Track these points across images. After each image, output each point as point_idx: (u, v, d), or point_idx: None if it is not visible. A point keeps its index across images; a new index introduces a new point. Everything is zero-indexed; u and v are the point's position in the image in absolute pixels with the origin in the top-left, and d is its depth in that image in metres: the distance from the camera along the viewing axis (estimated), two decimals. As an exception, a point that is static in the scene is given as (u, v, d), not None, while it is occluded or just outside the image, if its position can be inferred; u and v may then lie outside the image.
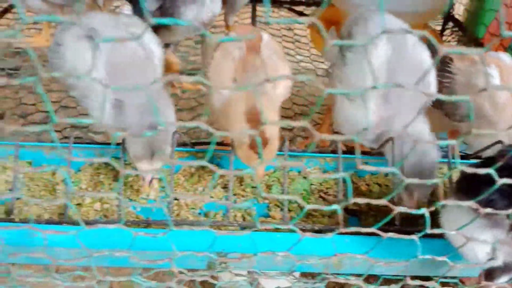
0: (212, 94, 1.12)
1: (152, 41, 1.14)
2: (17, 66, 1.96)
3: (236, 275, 0.99)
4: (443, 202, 0.79)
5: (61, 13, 1.85)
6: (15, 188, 1.04)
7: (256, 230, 0.76)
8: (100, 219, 1.06)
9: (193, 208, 1.11)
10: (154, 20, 0.49)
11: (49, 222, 0.99)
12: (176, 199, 1.12)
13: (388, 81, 1.02)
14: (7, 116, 1.75)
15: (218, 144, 1.28)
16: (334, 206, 0.70)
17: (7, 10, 2.18)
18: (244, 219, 1.10)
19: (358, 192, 1.18)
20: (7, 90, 1.84)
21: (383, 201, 0.69)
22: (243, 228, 1.05)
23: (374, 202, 0.69)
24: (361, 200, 0.70)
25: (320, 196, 1.16)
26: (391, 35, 1.07)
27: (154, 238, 0.85)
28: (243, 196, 1.16)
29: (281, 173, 1.19)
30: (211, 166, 0.65)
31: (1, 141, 1.15)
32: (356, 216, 1.14)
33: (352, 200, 0.67)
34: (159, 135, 1.01)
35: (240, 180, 1.18)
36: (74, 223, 1.00)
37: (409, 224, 1.01)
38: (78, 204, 1.08)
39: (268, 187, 1.17)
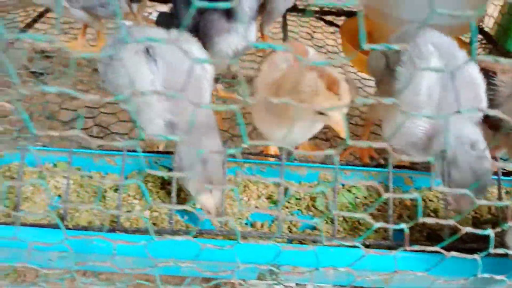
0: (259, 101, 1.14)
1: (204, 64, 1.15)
2: (45, 68, 1.99)
3: (286, 287, 0.99)
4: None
5: (99, 23, 1.88)
6: (66, 195, 1.05)
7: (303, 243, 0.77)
8: (146, 228, 1.07)
9: (239, 218, 1.12)
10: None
11: (101, 229, 1.00)
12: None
13: (441, 96, 1.02)
14: (34, 117, 1.78)
15: (259, 154, 1.28)
16: (402, 226, 0.71)
17: (41, 15, 2.23)
18: (290, 230, 1.11)
19: (402, 207, 1.18)
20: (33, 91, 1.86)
21: (451, 222, 0.70)
22: (290, 240, 1.06)
23: (444, 222, 0.70)
24: (429, 220, 0.70)
25: (366, 210, 1.17)
26: (442, 50, 1.08)
27: (211, 249, 0.86)
28: (287, 207, 1.16)
29: (324, 185, 1.19)
30: (283, 182, 0.66)
31: (55, 148, 1.17)
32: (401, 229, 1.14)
33: (421, 219, 0.68)
34: (212, 165, 1.01)
35: (284, 191, 1.19)
36: (127, 230, 1.02)
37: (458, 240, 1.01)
38: (128, 211, 1.10)
39: (312, 199, 1.17)
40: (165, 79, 1.07)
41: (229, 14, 1.31)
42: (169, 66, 1.08)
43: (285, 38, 1.92)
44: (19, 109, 0.53)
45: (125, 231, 1.01)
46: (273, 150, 1.39)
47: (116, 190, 1.14)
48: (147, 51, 1.09)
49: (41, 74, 1.97)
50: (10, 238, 0.73)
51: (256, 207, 1.16)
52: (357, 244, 0.73)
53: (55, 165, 1.17)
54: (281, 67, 1.16)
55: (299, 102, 0.98)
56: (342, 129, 0.97)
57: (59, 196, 1.13)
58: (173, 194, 1.05)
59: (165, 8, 2.19)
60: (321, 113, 0.98)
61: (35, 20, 2.15)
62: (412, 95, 1.05)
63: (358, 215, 0.68)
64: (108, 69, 1.14)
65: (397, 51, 1.20)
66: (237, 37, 1.32)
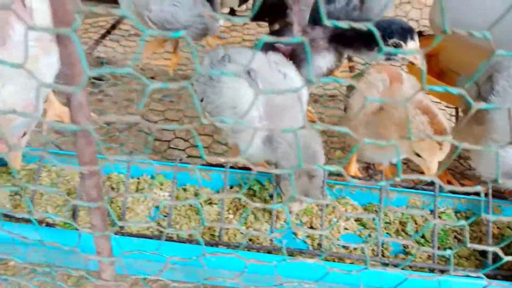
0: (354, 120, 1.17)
1: (300, 81, 1.18)
2: (100, 75, 2.06)
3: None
4: None
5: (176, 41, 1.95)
6: (171, 208, 1.09)
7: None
8: (246, 243, 1.10)
9: (331, 239, 1.14)
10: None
11: (207, 244, 1.04)
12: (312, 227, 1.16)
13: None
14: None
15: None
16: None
17: (114, 26, 2.32)
18: (383, 254, 1.12)
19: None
20: (90, 98, 1.93)
21: None
22: (385, 264, 1.07)
23: None
24: None
25: (455, 237, 1.17)
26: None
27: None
28: (377, 230, 1.18)
29: (414, 210, 1.20)
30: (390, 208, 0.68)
31: (161, 162, 1.21)
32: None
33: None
34: (315, 181, 1.04)
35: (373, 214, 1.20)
36: (229, 245, 1.05)
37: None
38: (248, 226, 1.13)
39: (402, 224, 1.18)
40: (266, 100, 1.10)
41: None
42: (269, 87, 1.12)
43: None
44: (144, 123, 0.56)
45: (228, 245, 1.04)
46: (353, 171, 1.41)
47: (210, 204, 1.18)
48: (248, 73, 1.13)
49: (100, 79, 2.05)
50: (153, 252, 0.77)
51: (346, 228, 1.18)
52: (481, 275, 0.74)
53: (152, 177, 1.22)
54: (378, 87, 1.19)
55: (402, 136, 1.02)
56: (431, 173, 1.02)
57: (157, 207, 1.18)
58: (274, 212, 1.08)
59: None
60: (419, 155, 1.02)
61: (108, 32, 2.25)
62: (506, 124, 1.06)
63: (482, 247, 0.69)
64: (208, 89, 1.18)
65: (489, 80, 1.21)
66: (333, 56, 1.35)
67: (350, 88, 1.32)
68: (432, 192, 1.20)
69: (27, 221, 1.07)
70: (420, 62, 1.29)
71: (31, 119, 1.11)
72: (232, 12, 2.44)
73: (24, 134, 1.08)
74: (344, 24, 0.51)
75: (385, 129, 1.09)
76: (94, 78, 2.05)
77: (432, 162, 1.02)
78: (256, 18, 2.26)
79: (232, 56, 1.21)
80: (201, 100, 1.22)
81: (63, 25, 0.52)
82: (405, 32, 1.23)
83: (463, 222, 0.71)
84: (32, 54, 1.12)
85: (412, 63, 1.27)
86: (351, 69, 1.89)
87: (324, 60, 1.36)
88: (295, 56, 1.33)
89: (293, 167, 1.06)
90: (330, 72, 1.44)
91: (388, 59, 1.29)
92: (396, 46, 1.21)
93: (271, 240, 1.10)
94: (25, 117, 1.05)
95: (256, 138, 1.11)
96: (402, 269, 1.04)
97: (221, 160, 0.61)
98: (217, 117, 1.15)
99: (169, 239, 1.05)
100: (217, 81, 1.17)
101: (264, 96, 1.10)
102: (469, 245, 0.71)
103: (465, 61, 1.59)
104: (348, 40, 1.32)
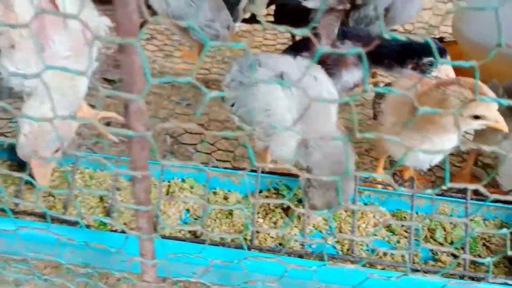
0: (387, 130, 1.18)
1: (331, 84, 1.20)
2: (120, 78, 2.09)
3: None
4: None
5: (198, 44, 1.97)
6: (206, 212, 1.11)
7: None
8: (275, 246, 1.11)
9: (360, 245, 1.15)
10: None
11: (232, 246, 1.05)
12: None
13: None
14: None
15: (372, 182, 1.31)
16: None
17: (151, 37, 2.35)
18: (413, 261, 1.12)
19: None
20: (111, 100, 1.97)
21: None
22: (415, 270, 1.08)
23: None
24: None
25: (484, 244, 1.17)
26: None
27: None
28: (405, 237, 1.18)
29: (442, 217, 1.21)
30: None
31: (187, 165, 1.23)
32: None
33: None
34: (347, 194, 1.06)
35: (402, 220, 1.21)
36: (261, 249, 1.06)
37: None
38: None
39: (431, 231, 1.19)
40: (299, 104, 1.12)
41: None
42: (302, 92, 1.13)
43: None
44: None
45: (260, 249, 1.06)
46: (381, 178, 1.41)
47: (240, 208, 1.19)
48: (281, 77, 1.15)
49: (114, 82, 2.07)
50: (196, 255, 0.79)
51: (374, 235, 1.19)
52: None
53: (183, 181, 1.24)
54: (410, 89, 1.20)
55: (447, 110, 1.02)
56: (504, 124, 1.01)
57: (187, 210, 1.20)
58: (304, 217, 1.09)
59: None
60: (477, 117, 1.02)
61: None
62: None
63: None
64: (240, 93, 1.20)
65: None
66: (361, 72, 1.37)
67: (380, 95, 1.32)
68: (462, 200, 1.20)
69: (62, 222, 1.10)
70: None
71: (65, 135, 1.14)
72: (253, 17, 2.47)
73: (57, 150, 1.10)
74: (402, 37, 0.52)
75: (427, 122, 1.09)
76: (113, 80, 2.09)
77: (493, 113, 1.02)
78: (277, 23, 2.28)
79: (262, 61, 1.23)
80: (232, 105, 1.24)
81: (128, 35, 0.53)
82: (441, 52, 1.26)
83: (504, 231, 0.72)
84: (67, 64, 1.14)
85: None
86: (375, 85, 1.90)
87: (352, 75, 1.38)
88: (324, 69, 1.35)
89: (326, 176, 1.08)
90: (355, 87, 1.45)
91: (421, 72, 1.32)
92: (431, 64, 1.25)
93: (301, 244, 1.12)
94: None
95: (290, 140, 1.13)
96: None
97: (270, 166, 0.62)
98: (255, 120, 1.17)
99: (202, 242, 1.07)
100: (250, 85, 1.19)
101: (297, 99, 1.11)
102: (510, 252, 0.72)
103: (493, 69, 1.59)
104: (380, 57, 1.34)
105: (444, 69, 1.29)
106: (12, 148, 1.14)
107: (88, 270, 0.89)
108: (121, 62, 0.56)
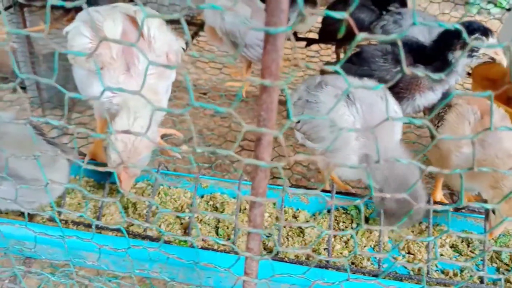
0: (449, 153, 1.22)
1: (395, 103, 1.25)
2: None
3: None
4: None
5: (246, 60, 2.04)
6: (279, 233, 1.16)
7: None
8: (349, 266, 1.15)
9: (428, 264, 1.18)
10: None
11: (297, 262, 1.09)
12: (410, 253, 1.20)
13: None
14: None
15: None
16: None
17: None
18: (481, 281, 1.15)
19: None
20: (168, 116, 2.04)
21: None
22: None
23: None
24: None
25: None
26: None
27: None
28: (472, 257, 1.21)
29: (507, 238, 1.24)
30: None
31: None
32: None
33: None
34: (413, 217, 1.09)
35: (468, 241, 1.24)
36: (338, 268, 1.10)
37: None
38: (325, 249, 1.19)
39: (496, 252, 1.22)
40: (363, 120, 1.17)
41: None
42: (367, 109, 1.18)
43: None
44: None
45: (337, 268, 1.10)
46: (439, 197, 1.45)
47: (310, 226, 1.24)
48: (347, 95, 1.20)
49: None
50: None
51: (441, 255, 1.22)
52: None
53: (253, 199, 1.29)
54: (470, 119, 1.24)
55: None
56: None
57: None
58: (379, 236, 1.13)
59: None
60: None
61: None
62: None
63: None
64: (306, 111, 1.26)
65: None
66: (434, 95, 1.40)
67: (439, 116, 1.36)
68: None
69: (144, 237, 1.16)
70: (501, 56, 1.34)
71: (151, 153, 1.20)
72: (295, 34, 2.53)
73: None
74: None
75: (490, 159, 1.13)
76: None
77: None
78: (322, 40, 2.34)
79: (329, 81, 1.28)
80: (297, 122, 1.30)
81: (273, 78, 0.59)
82: (486, 30, 1.29)
83: None
84: (151, 82, 1.20)
85: (493, 59, 1.32)
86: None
87: (425, 99, 1.41)
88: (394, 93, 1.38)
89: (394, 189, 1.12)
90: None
91: (470, 55, 1.34)
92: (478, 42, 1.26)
93: (371, 263, 1.15)
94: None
95: (352, 157, 1.17)
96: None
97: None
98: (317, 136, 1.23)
99: (280, 259, 1.11)
100: (315, 102, 1.25)
101: (362, 116, 1.17)
102: None
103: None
104: (425, 54, 1.38)
105: (492, 49, 1.32)
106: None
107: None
108: (262, 100, 0.62)
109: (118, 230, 1.18)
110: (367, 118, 1.18)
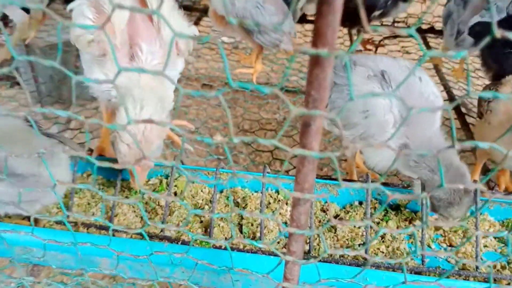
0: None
1: (434, 85, 1.14)
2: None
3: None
4: None
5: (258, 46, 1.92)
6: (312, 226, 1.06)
7: None
8: (386, 263, 1.05)
9: (471, 257, 1.08)
10: None
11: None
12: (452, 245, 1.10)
13: None
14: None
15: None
16: None
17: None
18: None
19: None
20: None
21: None
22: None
23: None
24: None
25: None
26: None
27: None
28: (519, 248, 1.11)
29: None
30: None
31: (284, 175, 1.18)
32: None
33: None
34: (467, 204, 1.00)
35: (513, 230, 1.14)
36: (379, 266, 1.00)
37: None
38: (359, 244, 1.09)
39: (546, 241, 1.12)
40: (401, 105, 1.06)
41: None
42: (404, 91, 1.07)
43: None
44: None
45: (377, 266, 1.00)
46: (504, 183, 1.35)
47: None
48: (382, 76, 1.09)
49: None
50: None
51: (485, 246, 1.12)
52: None
53: (277, 192, 1.18)
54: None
55: None
56: None
57: (285, 223, 1.14)
58: (417, 231, 1.03)
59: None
60: None
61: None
62: None
63: None
64: (334, 94, 1.15)
65: None
66: None
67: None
68: None
69: (162, 238, 1.05)
70: None
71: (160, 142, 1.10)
72: (304, 17, 2.41)
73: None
74: None
75: None
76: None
77: None
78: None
79: (358, 61, 1.17)
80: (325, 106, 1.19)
81: (330, 47, 0.48)
82: None
83: None
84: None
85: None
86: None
87: None
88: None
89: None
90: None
91: None
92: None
93: (411, 259, 1.05)
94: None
95: (390, 143, 1.07)
96: None
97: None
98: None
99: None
100: (345, 84, 1.14)
101: (399, 100, 1.05)
102: None
103: None
104: None
105: None
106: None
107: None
108: (313, 76, 0.51)
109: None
110: (405, 101, 1.07)
